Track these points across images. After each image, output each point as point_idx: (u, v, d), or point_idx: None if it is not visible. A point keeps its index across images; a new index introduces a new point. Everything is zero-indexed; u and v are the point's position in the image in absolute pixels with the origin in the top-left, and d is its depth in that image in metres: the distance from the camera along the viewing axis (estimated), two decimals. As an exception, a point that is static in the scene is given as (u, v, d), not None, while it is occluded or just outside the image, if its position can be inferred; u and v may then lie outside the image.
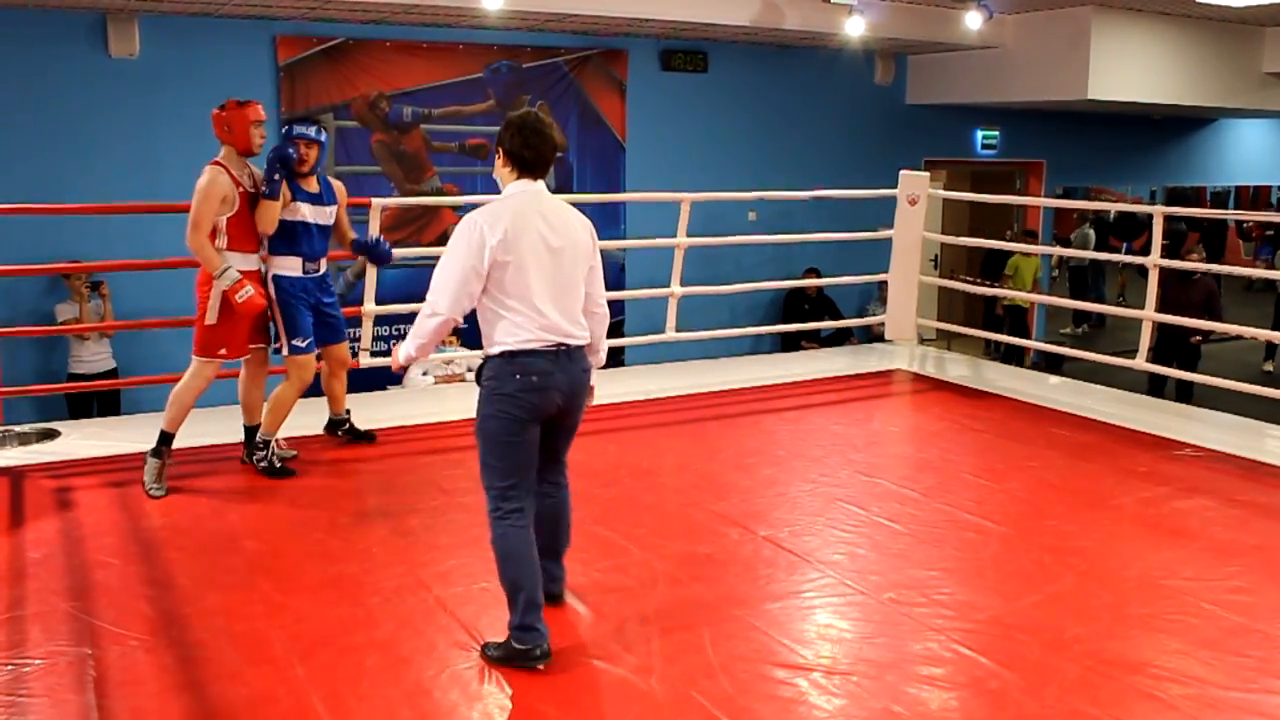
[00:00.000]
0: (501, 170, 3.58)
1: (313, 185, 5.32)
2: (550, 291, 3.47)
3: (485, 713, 3.19)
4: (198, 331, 5.02)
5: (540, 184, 3.57)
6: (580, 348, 3.58)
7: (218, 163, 5.02)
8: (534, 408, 3.47)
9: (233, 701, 3.23)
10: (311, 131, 5.23)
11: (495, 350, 3.47)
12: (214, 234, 4.96)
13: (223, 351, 5.04)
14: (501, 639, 3.47)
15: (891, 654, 3.55)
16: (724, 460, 5.61)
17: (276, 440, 5.32)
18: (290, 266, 5.27)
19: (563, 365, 3.50)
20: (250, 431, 5.34)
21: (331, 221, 5.43)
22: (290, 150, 5.12)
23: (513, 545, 3.47)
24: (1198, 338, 9.19)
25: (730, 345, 9.21)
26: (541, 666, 3.38)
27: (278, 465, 5.25)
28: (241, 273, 4.96)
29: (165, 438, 5.03)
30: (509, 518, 3.49)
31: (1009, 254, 12.06)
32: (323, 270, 5.45)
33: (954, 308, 13.08)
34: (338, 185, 5.56)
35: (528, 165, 3.52)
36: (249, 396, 5.35)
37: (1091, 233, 14.58)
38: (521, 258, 3.42)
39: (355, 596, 3.94)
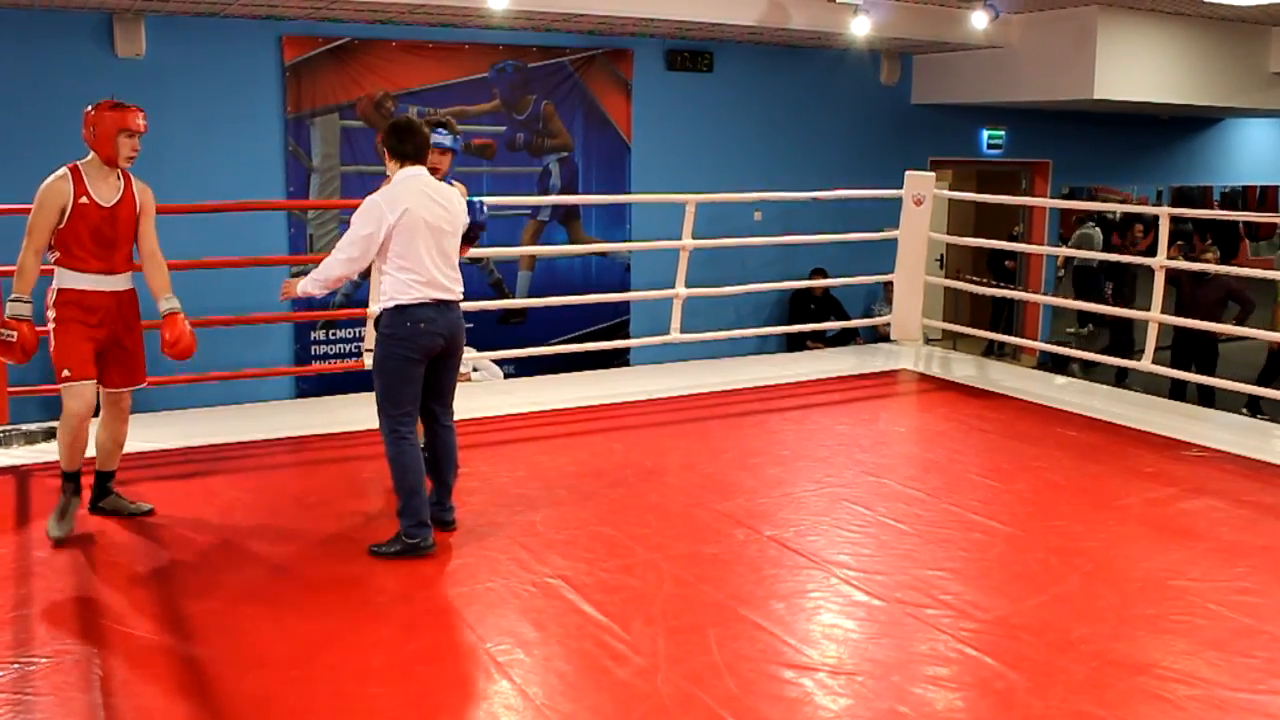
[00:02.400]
0: (390, 164, 4.39)
1: None
2: (432, 257, 4.28)
3: (490, 712, 3.19)
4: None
5: (421, 168, 4.38)
6: (454, 301, 4.37)
7: (74, 168, 4.52)
8: (423, 349, 4.29)
9: (238, 701, 3.23)
10: (447, 140, 4.87)
11: (390, 304, 4.26)
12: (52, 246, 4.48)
13: (66, 373, 4.43)
14: (387, 540, 4.30)
15: (897, 654, 3.55)
16: (729, 460, 5.61)
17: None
18: None
19: (442, 314, 4.31)
20: (101, 476, 4.69)
21: None
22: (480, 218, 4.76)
23: (409, 459, 4.29)
24: (1227, 331, 9.11)
25: (735, 345, 9.21)
26: (430, 554, 4.24)
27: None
28: (81, 292, 4.48)
29: (66, 476, 4.50)
30: (404, 439, 4.30)
31: (1014, 254, 12.06)
32: None
33: (960, 308, 13.08)
34: (459, 187, 4.99)
35: (409, 156, 4.36)
36: (101, 434, 4.65)
37: (1097, 232, 14.50)
38: (412, 230, 4.23)
39: (360, 596, 3.94)
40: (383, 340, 4.30)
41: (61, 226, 4.44)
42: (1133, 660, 3.51)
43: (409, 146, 4.36)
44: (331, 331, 9.34)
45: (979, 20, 9.51)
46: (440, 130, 4.89)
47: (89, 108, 4.59)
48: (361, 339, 6.74)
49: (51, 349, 4.47)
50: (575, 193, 10.23)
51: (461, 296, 4.45)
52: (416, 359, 4.28)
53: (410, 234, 4.23)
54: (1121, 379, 8.89)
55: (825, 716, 3.18)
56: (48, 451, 5.58)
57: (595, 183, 10.35)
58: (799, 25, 9.51)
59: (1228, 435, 6.07)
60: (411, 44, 9.40)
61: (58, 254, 4.49)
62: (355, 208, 6.85)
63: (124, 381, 4.68)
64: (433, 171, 4.82)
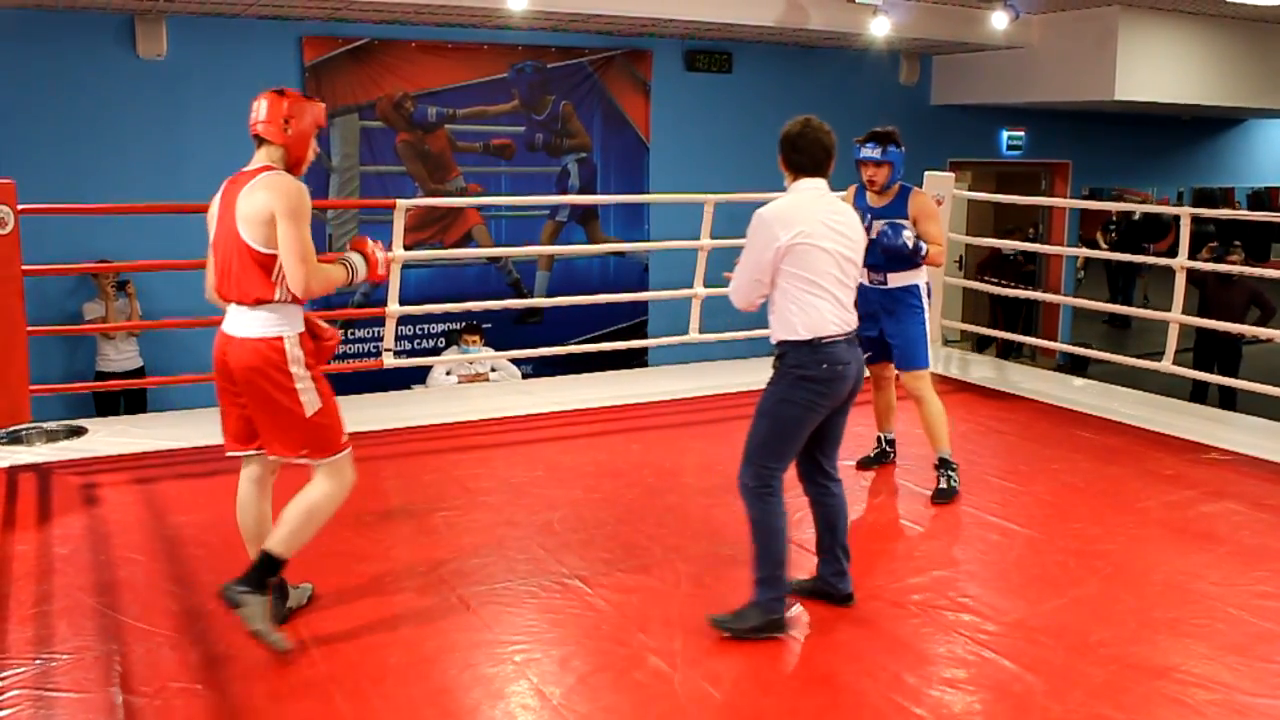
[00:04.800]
0: (786, 175, 3.82)
1: (879, 199, 5.05)
2: (840, 281, 3.70)
3: (508, 712, 3.20)
4: (305, 432, 3.53)
5: (822, 182, 3.78)
6: (856, 337, 3.79)
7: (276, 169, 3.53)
8: (834, 395, 3.68)
9: (256, 698, 3.25)
10: (876, 154, 4.92)
11: (802, 337, 3.64)
12: (260, 282, 3.43)
13: (345, 439, 3.65)
14: (735, 612, 3.65)
15: (914, 656, 3.54)
16: (747, 461, 5.60)
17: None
18: None
19: (853, 352, 3.73)
20: (269, 563, 3.57)
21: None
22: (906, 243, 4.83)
23: (779, 523, 3.67)
24: (1247, 333, 9.05)
25: (754, 346, 9.16)
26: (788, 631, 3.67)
27: (955, 486, 5.05)
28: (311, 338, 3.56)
29: (276, 564, 3.56)
30: (774, 497, 3.67)
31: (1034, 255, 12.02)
32: (891, 284, 5.08)
33: (978, 309, 13.03)
34: (918, 199, 5.05)
35: (803, 168, 3.75)
36: (261, 514, 3.74)
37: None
38: (816, 249, 3.63)
39: (378, 594, 3.96)
40: (789, 380, 3.66)
41: None
42: (1152, 664, 3.49)
43: (801, 157, 3.76)
44: (349, 331, 9.37)
45: (999, 20, 9.48)
46: (871, 145, 4.93)
47: (276, 94, 3.58)
48: (380, 339, 6.75)
49: (315, 415, 3.51)
50: (594, 193, 10.25)
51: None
52: (823, 407, 3.68)
53: (814, 253, 3.64)
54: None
55: (842, 717, 3.17)
56: (69, 449, 5.62)
57: (614, 183, 10.35)
58: (818, 26, 9.50)
59: (1249, 438, 6.02)
60: (431, 44, 9.43)
61: (289, 289, 3.45)
62: (373, 207, 6.87)
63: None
64: (869, 184, 5.00)
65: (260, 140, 3.56)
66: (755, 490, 3.68)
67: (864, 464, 5.42)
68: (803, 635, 3.67)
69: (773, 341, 3.76)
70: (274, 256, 3.41)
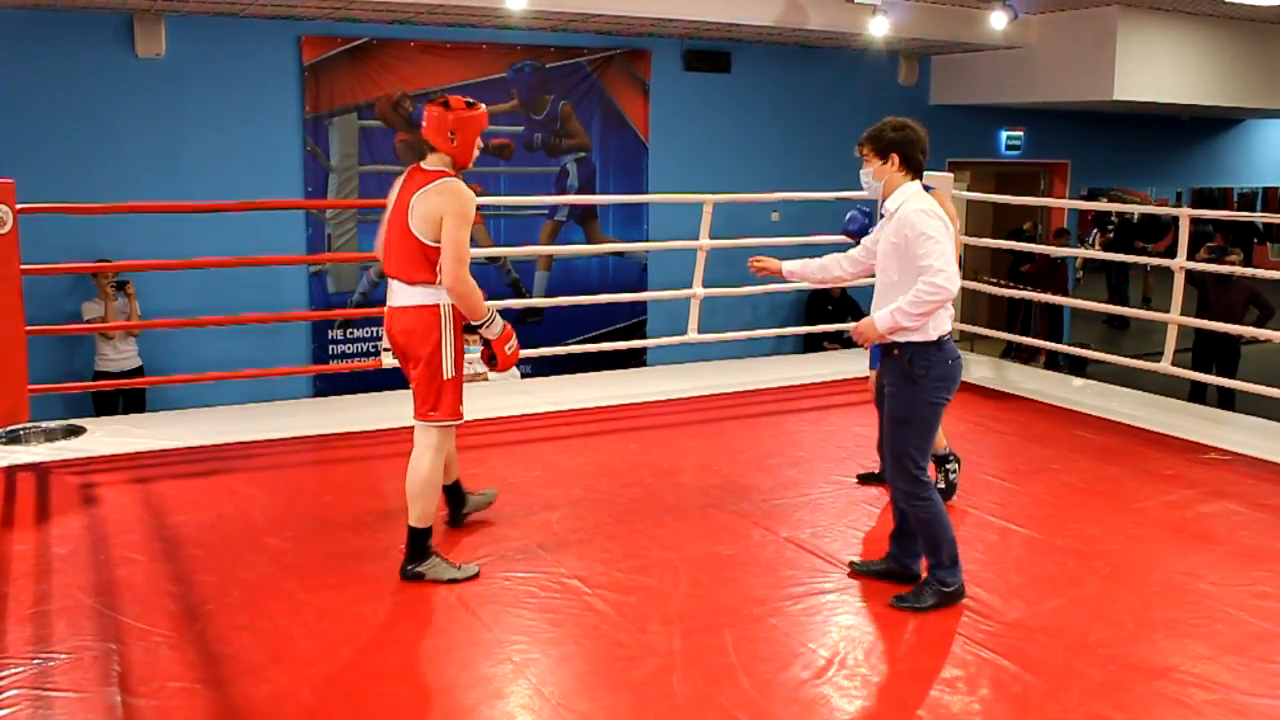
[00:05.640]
0: (894, 174, 3.85)
1: None
2: None
3: (507, 712, 3.20)
4: (434, 390, 4.02)
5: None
6: None
7: (451, 175, 4.04)
8: (957, 386, 3.85)
9: (255, 698, 3.24)
10: None
11: (931, 338, 3.76)
12: (424, 268, 3.96)
13: (463, 409, 4.13)
14: (911, 591, 3.88)
15: (913, 656, 3.54)
16: (746, 461, 5.61)
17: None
18: None
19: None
20: (416, 536, 4.05)
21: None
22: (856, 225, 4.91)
23: (942, 513, 3.85)
24: (1246, 333, 9.05)
25: (752, 346, 9.20)
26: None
27: (954, 481, 5.03)
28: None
29: (422, 534, 4.06)
30: (932, 490, 3.85)
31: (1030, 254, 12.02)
32: None
33: (977, 309, 13.03)
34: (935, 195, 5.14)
35: (921, 167, 3.88)
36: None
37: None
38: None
39: (377, 595, 3.96)
40: (923, 384, 3.76)
41: None
42: (1151, 664, 3.49)
43: (923, 156, 3.88)
44: (349, 330, 9.37)
45: (998, 20, 9.48)
46: None
47: (438, 108, 4.06)
48: (379, 338, 6.75)
49: (449, 380, 4.03)
50: (593, 193, 10.24)
51: None
52: (950, 400, 3.85)
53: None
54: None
55: (841, 718, 3.18)
56: (67, 449, 5.62)
57: (613, 183, 10.35)
58: (817, 25, 9.50)
59: (1248, 438, 6.03)
60: (429, 44, 9.43)
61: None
62: (373, 207, 6.85)
63: None
64: None
65: (430, 145, 4.06)
66: (915, 493, 3.82)
67: (865, 479, 5.25)
68: (800, 636, 3.67)
69: (892, 340, 3.78)
70: (439, 249, 3.91)
